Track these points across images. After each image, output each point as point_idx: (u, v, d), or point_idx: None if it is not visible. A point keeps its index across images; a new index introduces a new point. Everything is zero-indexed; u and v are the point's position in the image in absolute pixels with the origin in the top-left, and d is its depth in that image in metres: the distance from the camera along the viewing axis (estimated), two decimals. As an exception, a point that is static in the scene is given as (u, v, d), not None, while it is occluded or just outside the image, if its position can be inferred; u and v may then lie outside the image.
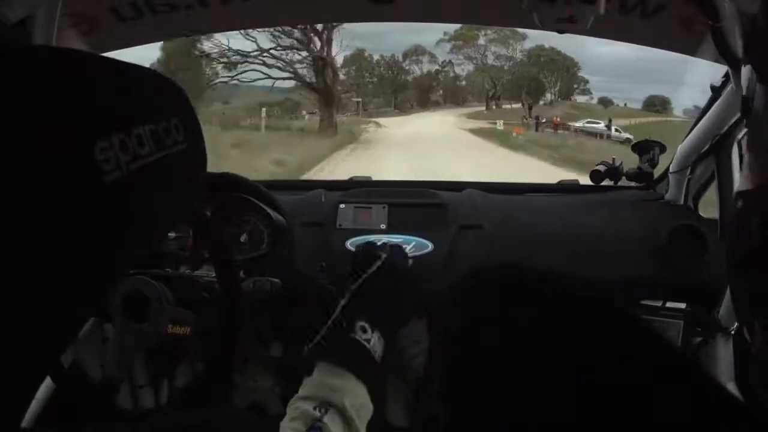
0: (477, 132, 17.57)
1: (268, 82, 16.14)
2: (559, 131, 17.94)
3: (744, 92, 0.37)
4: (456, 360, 0.28)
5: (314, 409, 0.57)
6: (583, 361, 0.25)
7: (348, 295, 0.70)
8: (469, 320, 0.29)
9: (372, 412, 0.62)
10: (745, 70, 0.38)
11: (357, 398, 0.60)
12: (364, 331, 0.65)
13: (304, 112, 18.20)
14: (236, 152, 10.12)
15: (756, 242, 0.33)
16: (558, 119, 19.10)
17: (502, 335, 0.27)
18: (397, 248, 0.82)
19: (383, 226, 1.22)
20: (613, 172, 1.31)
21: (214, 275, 0.91)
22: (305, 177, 8.19)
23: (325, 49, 16.13)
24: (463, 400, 0.27)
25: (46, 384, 0.98)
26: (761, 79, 0.35)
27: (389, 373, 1.11)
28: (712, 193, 1.22)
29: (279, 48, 15.70)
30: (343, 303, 0.69)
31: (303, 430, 0.55)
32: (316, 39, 15.92)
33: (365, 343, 0.64)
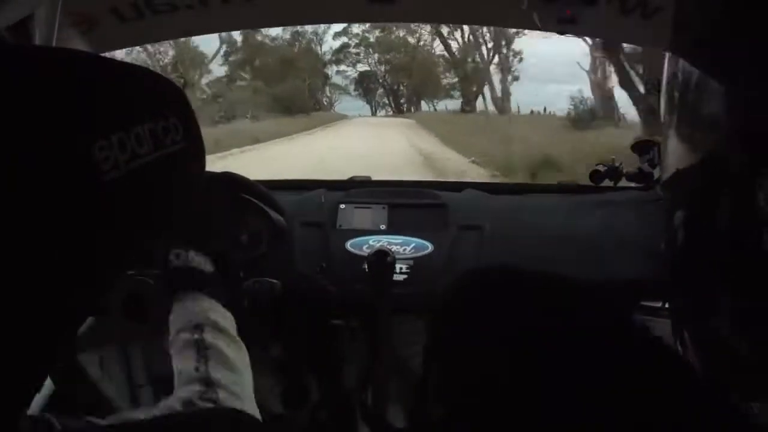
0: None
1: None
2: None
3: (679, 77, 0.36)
4: (453, 360, 0.28)
5: (191, 334, 0.60)
6: (581, 361, 0.25)
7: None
8: (468, 320, 0.29)
9: (234, 321, 0.65)
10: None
11: (216, 311, 0.64)
12: (177, 256, 0.68)
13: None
14: None
15: (683, 242, 0.31)
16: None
17: (500, 335, 0.27)
18: None
19: (383, 227, 1.22)
20: (613, 172, 1.31)
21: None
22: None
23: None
24: (460, 400, 0.27)
25: (46, 384, 0.98)
26: (682, 55, 0.33)
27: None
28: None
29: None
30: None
31: (193, 355, 0.57)
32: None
33: (187, 264, 0.67)
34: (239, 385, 0.56)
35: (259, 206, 1.06)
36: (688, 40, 0.33)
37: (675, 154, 0.33)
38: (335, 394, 1.22)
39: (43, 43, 0.81)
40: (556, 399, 0.24)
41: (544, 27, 0.89)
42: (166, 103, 0.34)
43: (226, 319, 0.65)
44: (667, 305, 1.19)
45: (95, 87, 0.29)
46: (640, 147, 1.32)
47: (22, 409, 0.29)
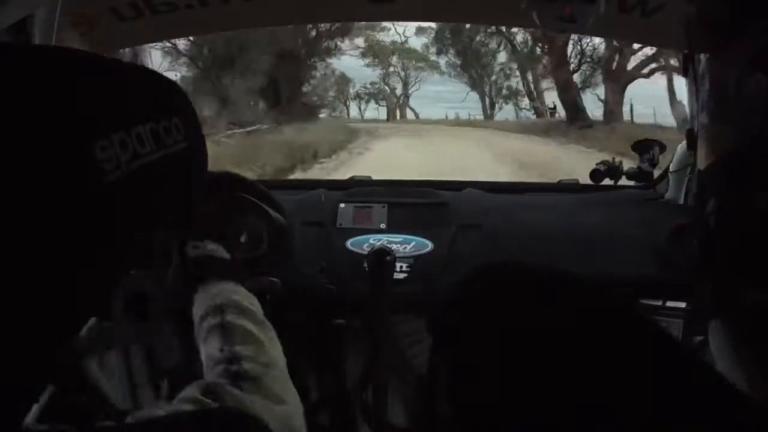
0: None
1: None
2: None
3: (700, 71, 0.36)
4: (458, 359, 0.28)
5: (213, 318, 0.58)
6: (586, 358, 0.25)
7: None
8: (470, 319, 0.29)
9: (258, 303, 0.63)
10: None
11: (239, 293, 0.62)
12: (195, 247, 0.67)
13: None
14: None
15: (714, 229, 0.31)
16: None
17: (504, 334, 0.27)
18: None
19: (383, 226, 1.22)
20: (613, 171, 1.31)
21: None
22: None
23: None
24: (468, 399, 0.27)
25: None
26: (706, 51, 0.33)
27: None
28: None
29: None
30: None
31: (217, 338, 0.56)
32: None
33: (205, 253, 0.66)
34: (266, 357, 0.54)
35: (259, 206, 1.06)
36: (712, 33, 0.33)
37: (710, 144, 0.34)
38: (335, 394, 1.22)
39: (43, 43, 0.81)
40: (562, 396, 0.24)
41: (544, 25, 0.89)
42: (167, 102, 0.34)
43: (250, 300, 0.62)
44: (667, 303, 1.20)
45: (95, 87, 0.29)
46: (641, 146, 1.32)
47: (24, 410, 0.29)
